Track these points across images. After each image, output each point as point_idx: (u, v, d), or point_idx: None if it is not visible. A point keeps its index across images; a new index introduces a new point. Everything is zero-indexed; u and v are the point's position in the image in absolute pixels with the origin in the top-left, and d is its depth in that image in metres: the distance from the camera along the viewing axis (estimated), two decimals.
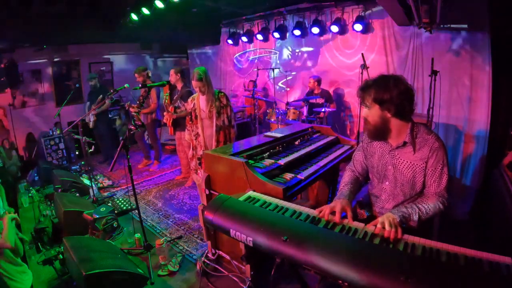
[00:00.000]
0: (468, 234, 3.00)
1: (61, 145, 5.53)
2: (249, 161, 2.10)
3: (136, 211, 2.81)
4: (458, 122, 3.66)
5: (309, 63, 5.45)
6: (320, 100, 4.66)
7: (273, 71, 5.34)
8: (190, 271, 2.59)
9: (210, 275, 2.44)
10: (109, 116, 5.84)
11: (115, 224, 3.06)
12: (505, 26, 3.14)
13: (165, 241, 2.75)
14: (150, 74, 4.68)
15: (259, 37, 5.66)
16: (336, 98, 5.04)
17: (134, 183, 2.71)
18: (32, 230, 2.98)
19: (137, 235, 2.89)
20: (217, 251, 2.48)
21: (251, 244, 1.34)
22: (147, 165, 5.30)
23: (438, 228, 2.41)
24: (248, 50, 6.30)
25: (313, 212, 1.54)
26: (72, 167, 5.29)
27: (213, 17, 5.87)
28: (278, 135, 2.72)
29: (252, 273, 2.08)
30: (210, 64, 7.08)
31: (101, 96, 4.61)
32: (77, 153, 5.86)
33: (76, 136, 4.31)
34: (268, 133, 2.80)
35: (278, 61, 5.91)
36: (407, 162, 1.60)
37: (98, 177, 4.89)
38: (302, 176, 2.10)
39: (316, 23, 4.79)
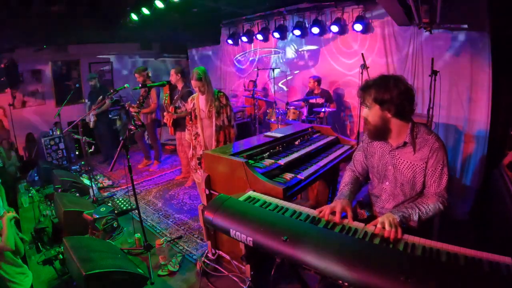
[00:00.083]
0: (468, 234, 3.00)
1: (61, 145, 5.54)
2: (249, 161, 2.10)
3: (136, 211, 2.81)
4: (458, 122, 3.66)
5: (309, 63, 5.46)
6: (320, 100, 4.66)
7: (273, 71, 5.34)
8: (190, 271, 2.59)
9: (210, 275, 2.44)
10: (110, 116, 5.84)
11: (115, 224, 3.06)
12: (505, 26, 3.14)
13: (165, 241, 2.76)
14: (150, 74, 4.68)
15: (259, 37, 5.66)
16: (336, 98, 5.04)
17: (134, 183, 2.71)
18: (32, 230, 2.98)
19: (137, 235, 2.89)
20: (217, 251, 2.48)
21: (251, 244, 1.34)
22: (147, 165, 5.30)
23: (438, 228, 2.41)
24: (249, 50, 6.29)
25: (313, 212, 1.54)
26: (72, 167, 5.29)
27: (213, 17, 5.87)
28: (278, 135, 2.72)
29: (252, 273, 2.08)
30: (210, 64, 7.08)
31: (101, 97, 4.61)
32: (77, 153, 5.86)
33: (76, 136, 4.31)
34: (268, 133, 2.80)
35: (281, 60, 5.91)
36: (407, 162, 1.60)
37: (98, 177, 4.89)
38: (302, 176, 2.10)
39: (316, 23, 4.79)
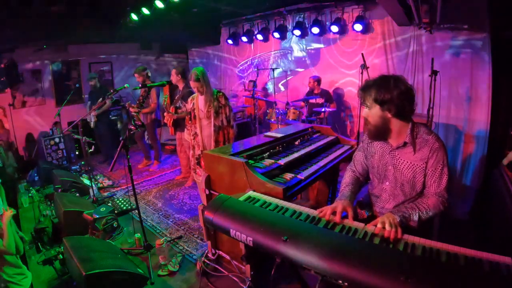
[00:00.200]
0: (468, 234, 3.00)
1: (61, 145, 5.53)
2: (249, 161, 2.10)
3: (136, 211, 2.81)
4: (458, 122, 3.66)
5: (309, 63, 5.46)
6: (320, 100, 4.66)
7: (273, 71, 5.34)
8: (190, 271, 2.59)
9: (210, 275, 2.44)
10: (110, 116, 5.84)
11: (115, 224, 3.06)
12: (505, 26, 3.14)
13: (165, 241, 2.76)
14: (149, 74, 4.68)
15: (259, 37, 5.66)
16: (336, 98, 5.05)
17: (134, 183, 2.71)
18: (32, 230, 2.98)
19: (137, 235, 2.89)
20: (217, 251, 2.48)
21: (251, 244, 1.34)
22: (147, 165, 5.30)
23: (438, 228, 2.41)
24: (249, 50, 6.29)
25: (314, 212, 1.54)
26: (72, 167, 5.29)
27: (213, 17, 5.88)
28: (278, 135, 2.72)
29: (252, 273, 2.08)
30: (210, 64, 7.08)
31: (101, 98, 4.62)
32: (77, 153, 5.86)
33: (76, 136, 4.31)
34: (268, 133, 2.80)
35: (281, 60, 5.91)
36: (407, 162, 1.60)
37: (98, 177, 4.89)
38: (302, 176, 2.10)
39: (316, 23, 4.79)
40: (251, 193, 1.80)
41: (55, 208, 3.25)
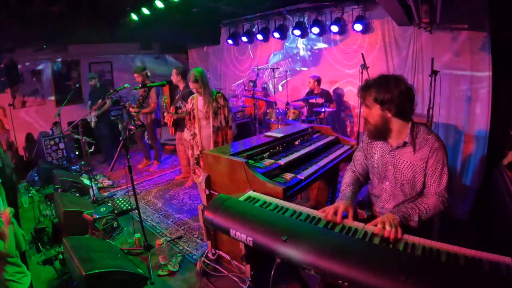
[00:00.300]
0: (468, 234, 3.00)
1: (61, 145, 5.53)
2: (249, 161, 2.10)
3: (136, 211, 2.81)
4: (458, 122, 3.66)
5: (309, 63, 5.46)
6: (320, 100, 4.66)
7: (273, 71, 5.34)
8: (190, 271, 2.59)
9: (210, 275, 2.44)
10: (110, 116, 5.83)
11: (115, 224, 3.06)
12: (505, 26, 3.14)
13: (165, 241, 2.76)
14: (149, 74, 4.68)
15: (259, 37, 5.66)
16: (336, 98, 5.04)
17: (134, 183, 2.71)
18: (32, 230, 2.98)
19: (137, 235, 2.89)
20: (217, 251, 2.48)
21: (251, 244, 1.34)
22: (147, 165, 5.30)
23: (438, 228, 2.41)
24: (249, 50, 6.29)
25: (314, 212, 1.54)
26: (72, 167, 5.29)
27: (213, 17, 5.88)
28: (278, 135, 2.72)
29: (252, 273, 2.08)
30: (210, 64, 7.08)
31: (100, 99, 4.62)
32: (77, 153, 5.86)
33: (76, 136, 4.31)
34: (268, 133, 2.80)
35: (281, 60, 5.91)
36: (407, 162, 1.60)
37: (98, 177, 4.89)
38: (302, 176, 2.10)
39: (316, 23, 4.79)
40: (251, 193, 1.80)
41: (55, 208, 3.25)
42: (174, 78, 4.01)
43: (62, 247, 2.38)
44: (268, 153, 2.38)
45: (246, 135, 5.05)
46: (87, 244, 2.35)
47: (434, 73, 3.10)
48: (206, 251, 2.57)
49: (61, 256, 2.42)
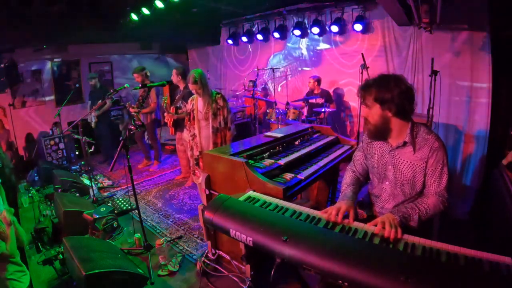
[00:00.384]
0: (468, 234, 3.00)
1: (61, 145, 5.53)
2: (249, 161, 2.10)
3: (136, 211, 2.81)
4: (458, 122, 3.66)
5: (309, 63, 5.45)
6: (320, 100, 4.66)
7: (273, 71, 5.34)
8: (190, 271, 2.59)
9: (210, 275, 2.44)
10: (110, 116, 5.84)
11: (115, 224, 3.06)
12: (505, 26, 3.14)
13: (165, 241, 2.76)
14: (148, 74, 4.68)
15: (259, 37, 5.66)
16: (336, 98, 5.04)
17: (134, 183, 2.71)
18: (32, 230, 2.98)
19: (137, 235, 2.89)
20: (217, 251, 2.48)
21: (251, 244, 1.34)
22: (147, 165, 5.30)
23: (438, 228, 2.41)
24: (250, 50, 6.29)
25: (313, 212, 1.54)
26: (72, 167, 5.29)
27: (213, 17, 5.88)
28: (278, 135, 2.72)
29: (252, 273, 2.08)
30: (210, 64, 7.08)
31: (100, 100, 4.62)
32: (77, 153, 5.87)
33: (76, 136, 4.31)
34: (268, 133, 2.80)
35: (282, 60, 5.90)
36: (407, 162, 1.60)
37: (98, 177, 4.89)
38: (302, 176, 2.10)
39: (316, 23, 4.79)
40: (251, 193, 1.80)
41: (55, 208, 3.25)
42: (174, 78, 4.01)
43: (62, 247, 2.38)
44: (268, 153, 2.38)
45: (246, 135, 5.05)
46: (87, 244, 2.35)
47: (434, 73, 3.10)
48: (206, 251, 2.57)
49: (61, 256, 2.42)
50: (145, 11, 4.29)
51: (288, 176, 2.11)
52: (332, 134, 3.05)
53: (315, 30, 4.82)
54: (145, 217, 3.53)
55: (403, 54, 4.18)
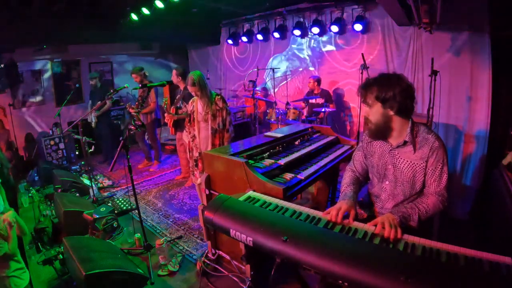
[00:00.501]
0: (468, 234, 3.00)
1: (61, 145, 5.53)
2: (249, 161, 2.10)
3: (136, 211, 2.81)
4: (458, 122, 3.66)
5: (309, 63, 5.45)
6: (320, 100, 4.67)
7: (273, 71, 5.34)
8: (190, 271, 2.59)
9: (210, 275, 2.44)
10: (110, 116, 5.83)
11: (115, 224, 3.06)
12: (505, 26, 3.14)
13: (165, 241, 2.75)
14: (147, 74, 4.68)
15: (259, 37, 5.66)
16: (336, 98, 5.04)
17: (134, 183, 2.71)
18: (32, 230, 2.98)
19: (137, 235, 2.89)
20: (217, 251, 2.48)
21: (251, 244, 1.34)
22: (147, 165, 5.30)
23: (438, 228, 2.41)
24: (249, 50, 6.29)
25: (313, 212, 1.54)
26: (72, 167, 5.29)
27: (213, 17, 5.87)
28: (278, 135, 2.72)
29: (252, 273, 2.08)
30: (210, 64, 7.08)
31: (99, 101, 4.61)
32: (77, 153, 5.87)
33: (76, 136, 4.31)
34: (268, 133, 2.80)
35: (282, 61, 5.90)
36: (407, 161, 1.60)
37: (98, 177, 4.89)
38: (302, 176, 2.10)
39: (316, 23, 4.79)
40: (251, 193, 1.80)
41: (55, 208, 3.25)
42: (174, 79, 4.02)
43: (62, 247, 2.38)
44: (268, 153, 2.38)
45: (246, 135, 5.06)
46: (87, 244, 2.35)
47: (434, 73, 3.10)
48: (206, 251, 2.57)
49: (61, 256, 2.42)
50: (145, 11, 4.29)
51: (288, 176, 2.11)
52: (332, 134, 3.05)
53: (315, 30, 4.82)
54: (145, 217, 3.53)
55: (403, 54, 4.18)
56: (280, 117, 4.75)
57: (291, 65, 5.72)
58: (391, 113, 1.53)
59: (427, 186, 1.58)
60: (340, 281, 1.12)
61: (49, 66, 5.84)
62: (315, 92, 4.83)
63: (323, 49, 5.17)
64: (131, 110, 4.11)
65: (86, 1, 4.18)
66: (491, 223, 2.76)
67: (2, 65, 5.11)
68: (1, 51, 5.06)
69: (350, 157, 2.02)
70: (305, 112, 4.93)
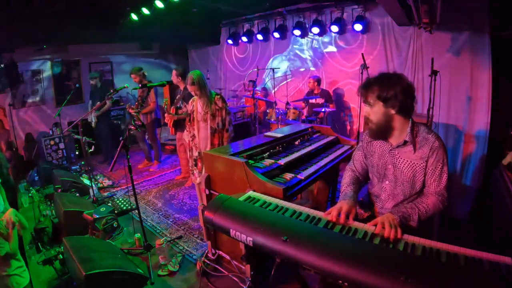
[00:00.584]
0: (468, 234, 3.00)
1: (61, 145, 5.53)
2: (249, 161, 2.10)
3: (136, 211, 2.81)
4: (458, 122, 3.66)
5: (309, 63, 5.45)
6: (320, 100, 4.67)
7: (273, 71, 5.34)
8: (190, 271, 2.59)
9: (210, 275, 2.44)
10: (110, 116, 5.83)
11: (115, 224, 3.06)
12: (505, 26, 3.14)
13: (165, 241, 2.75)
14: (146, 74, 4.68)
15: (259, 37, 5.66)
16: (336, 98, 5.04)
17: (134, 183, 2.71)
18: (32, 230, 2.98)
19: (137, 235, 2.89)
20: (217, 251, 2.48)
21: (251, 244, 1.34)
22: (147, 166, 5.30)
23: (438, 228, 2.42)
24: (249, 50, 6.29)
25: (313, 212, 1.54)
26: (72, 167, 5.29)
27: (213, 17, 5.88)
28: (278, 135, 2.72)
29: (252, 273, 2.08)
30: (210, 64, 7.08)
31: (99, 102, 4.62)
32: (77, 153, 5.87)
33: (76, 136, 4.31)
34: (268, 133, 2.80)
35: (282, 61, 5.91)
36: (407, 161, 1.60)
37: (98, 177, 4.89)
38: (302, 176, 2.10)
39: (316, 23, 4.79)
40: (251, 193, 1.80)
41: (55, 208, 3.25)
42: (174, 79, 4.02)
43: (62, 247, 2.38)
44: (268, 153, 2.38)
45: (246, 135, 5.06)
46: (87, 244, 2.35)
47: (434, 73, 3.10)
48: (206, 251, 2.57)
49: (61, 256, 2.42)
50: (145, 11, 4.29)
51: (288, 176, 2.11)
52: (332, 134, 3.05)
53: (315, 30, 4.82)
54: (145, 217, 3.53)
55: (403, 54, 4.18)
56: (280, 117, 4.75)
57: (292, 65, 5.72)
58: (393, 112, 1.53)
59: (427, 186, 1.58)
60: (340, 281, 1.12)
61: (49, 66, 5.84)
62: (315, 92, 4.83)
63: (324, 50, 5.17)
64: (130, 111, 4.11)
65: (86, 1, 4.18)
66: (491, 223, 2.76)
67: (2, 65, 5.11)
68: (1, 51, 5.06)
69: (350, 157, 2.02)
70: (305, 112, 4.93)
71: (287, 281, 2.18)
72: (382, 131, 1.60)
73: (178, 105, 3.88)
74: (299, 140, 2.77)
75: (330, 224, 1.44)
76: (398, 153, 1.62)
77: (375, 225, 1.36)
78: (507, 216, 2.19)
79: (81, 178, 4.39)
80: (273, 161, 2.23)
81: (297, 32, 5.05)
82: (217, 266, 2.47)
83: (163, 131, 6.06)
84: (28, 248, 2.89)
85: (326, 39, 5.08)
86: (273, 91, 5.59)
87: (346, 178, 1.84)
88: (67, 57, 6.01)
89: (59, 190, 3.65)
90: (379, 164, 1.71)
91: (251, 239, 1.34)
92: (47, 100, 5.91)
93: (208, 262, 2.50)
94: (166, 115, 3.80)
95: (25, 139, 5.55)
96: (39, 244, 2.86)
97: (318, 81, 4.83)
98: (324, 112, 4.47)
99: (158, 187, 4.44)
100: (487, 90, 3.35)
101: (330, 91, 4.97)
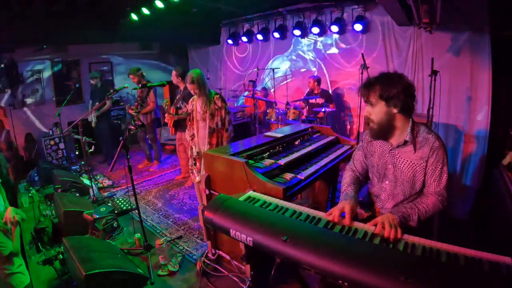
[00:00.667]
0: (468, 234, 3.00)
1: (61, 145, 5.54)
2: (249, 161, 2.10)
3: (136, 211, 2.81)
4: (458, 122, 3.66)
5: (309, 63, 5.45)
6: (320, 100, 4.67)
7: (273, 71, 5.34)
8: (190, 271, 2.59)
9: (210, 275, 2.44)
10: (110, 116, 5.83)
11: (115, 224, 3.06)
12: (505, 26, 3.14)
13: (165, 241, 2.75)
14: (144, 74, 4.68)
15: (259, 37, 5.66)
16: (336, 98, 5.04)
17: (134, 183, 2.71)
18: (32, 230, 2.98)
19: (137, 235, 2.89)
20: (217, 251, 2.48)
21: (251, 244, 1.34)
22: (147, 166, 5.30)
23: (438, 227, 2.42)
24: (249, 50, 6.29)
25: (313, 212, 1.54)
26: (72, 167, 5.29)
27: (213, 17, 5.88)
28: (278, 135, 2.72)
29: (252, 273, 2.08)
30: (210, 64, 7.08)
31: (98, 102, 4.62)
32: (77, 153, 5.87)
33: (76, 136, 4.31)
34: (268, 133, 2.80)
35: (282, 61, 5.90)
36: (407, 161, 1.60)
37: (98, 177, 4.89)
38: (302, 176, 2.10)
39: (316, 23, 4.79)
40: (251, 193, 1.80)
41: (55, 208, 3.25)
42: (174, 79, 4.02)
43: (62, 247, 2.38)
44: (268, 153, 2.38)
45: (246, 135, 5.05)
46: (87, 244, 2.35)
47: (434, 73, 3.10)
48: (206, 251, 2.57)
49: (61, 256, 2.42)
50: (145, 11, 4.29)
51: (288, 176, 2.11)
52: (332, 134, 3.05)
53: (315, 30, 4.82)
54: (145, 217, 3.53)
55: (403, 54, 4.18)
56: (280, 117, 4.75)
57: (293, 65, 5.72)
58: (395, 111, 1.53)
59: (427, 186, 1.58)
60: (340, 281, 1.12)
61: (49, 66, 5.84)
62: (315, 92, 4.83)
63: (323, 50, 5.17)
64: (130, 111, 4.12)
65: (86, 1, 4.18)
66: (491, 223, 2.76)
67: (2, 65, 5.11)
68: (1, 51, 5.06)
69: (350, 157, 2.02)
70: (305, 112, 4.93)
71: (287, 281, 2.18)
72: (384, 131, 1.60)
73: (178, 105, 3.88)
74: (299, 140, 2.77)
75: (330, 224, 1.44)
76: (398, 153, 1.62)
77: (375, 225, 1.36)
78: (507, 216, 2.19)
79: (81, 178, 4.39)
80: (273, 161, 2.23)
81: (297, 32, 5.05)
82: (217, 266, 2.47)
83: (163, 131, 6.06)
84: (28, 248, 2.89)
85: (326, 39, 5.07)
86: (273, 91, 5.59)
87: (347, 178, 1.83)
88: (67, 57, 6.01)
89: (59, 190, 3.65)
90: (379, 164, 1.71)
91: (251, 239, 1.34)
92: (47, 100, 5.91)
93: (208, 262, 2.50)
94: (166, 115, 3.80)
95: (25, 139, 5.55)
96: (39, 244, 2.86)
97: (318, 81, 4.83)
98: (324, 112, 4.47)
99: (158, 187, 4.44)
100: (487, 90, 3.35)
101: (330, 91, 4.97)
